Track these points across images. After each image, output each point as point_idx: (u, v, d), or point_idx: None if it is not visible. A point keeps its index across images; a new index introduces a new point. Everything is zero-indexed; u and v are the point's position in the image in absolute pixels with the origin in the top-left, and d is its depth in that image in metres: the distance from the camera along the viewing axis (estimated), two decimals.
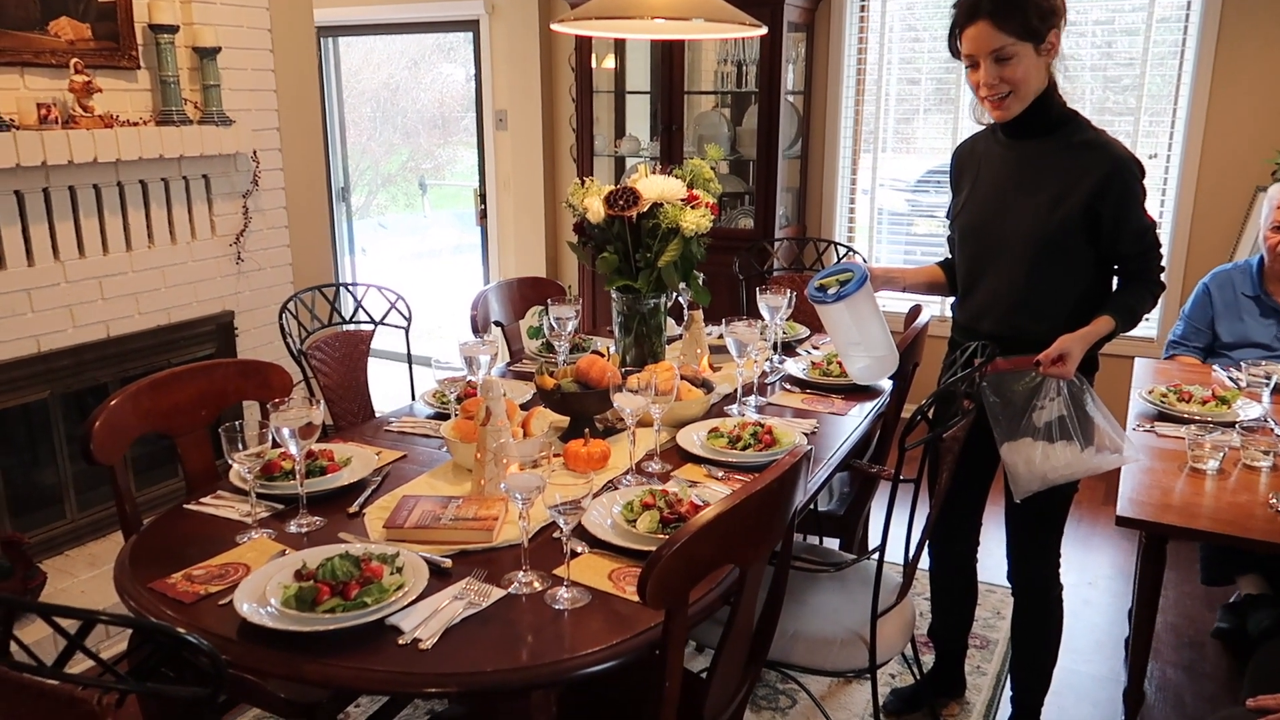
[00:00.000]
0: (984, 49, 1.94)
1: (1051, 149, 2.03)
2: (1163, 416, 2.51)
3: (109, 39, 3.06)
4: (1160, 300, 4.24)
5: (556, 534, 1.69)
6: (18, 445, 3.02)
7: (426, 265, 8.77)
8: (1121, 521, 1.98)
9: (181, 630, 1.04)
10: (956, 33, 2.00)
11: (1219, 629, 2.92)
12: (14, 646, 1.09)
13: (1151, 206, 4.24)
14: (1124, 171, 1.97)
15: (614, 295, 2.46)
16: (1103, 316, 2.03)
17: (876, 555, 2.01)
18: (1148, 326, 4.36)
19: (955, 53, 2.04)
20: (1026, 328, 2.08)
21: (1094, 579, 3.30)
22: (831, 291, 2.16)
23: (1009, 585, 2.33)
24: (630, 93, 5.10)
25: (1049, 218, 2.00)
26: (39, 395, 3.01)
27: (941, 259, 2.40)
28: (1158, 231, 2.07)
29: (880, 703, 2.50)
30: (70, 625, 1.06)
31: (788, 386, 2.63)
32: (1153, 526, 2.00)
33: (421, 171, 9.07)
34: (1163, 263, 2.10)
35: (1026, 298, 2.08)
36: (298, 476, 1.78)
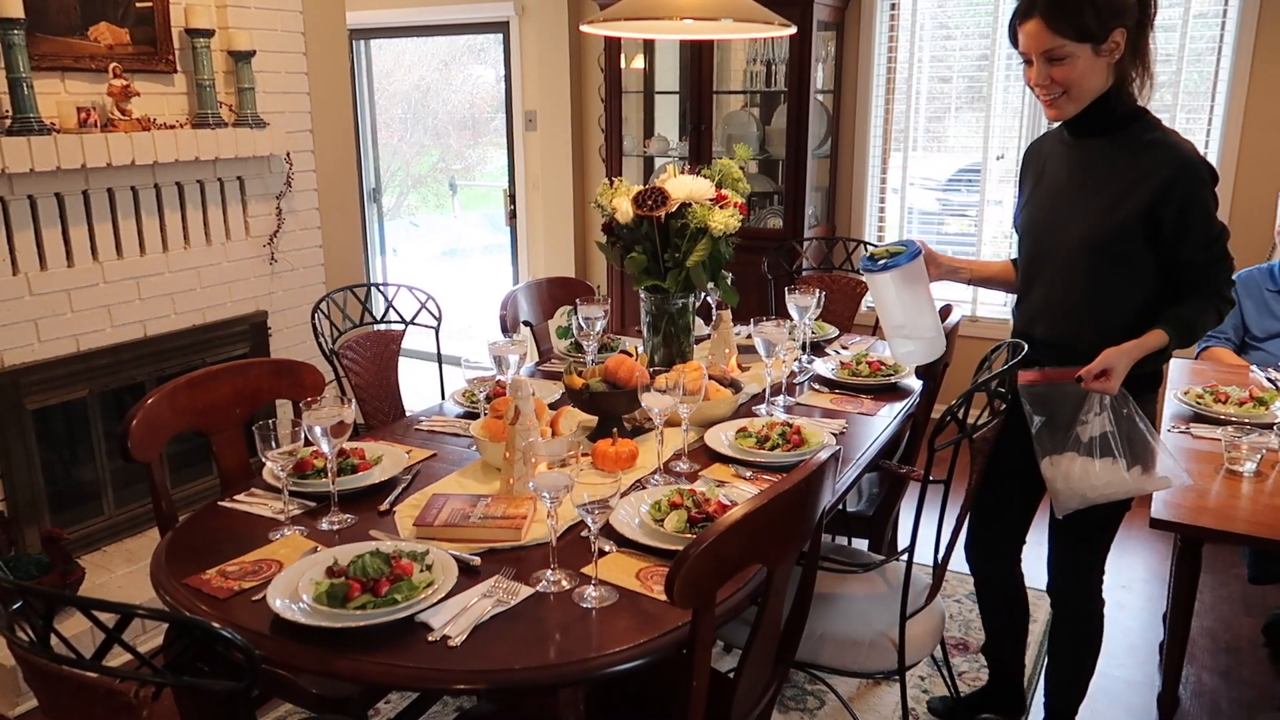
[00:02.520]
0: (1036, 48, 1.85)
1: (1114, 148, 1.91)
2: (1198, 418, 2.47)
3: (147, 43, 3.11)
4: None
5: (584, 533, 1.70)
6: (57, 443, 3.08)
7: (457, 265, 8.83)
8: (1156, 524, 1.96)
9: (216, 625, 1.05)
10: (1015, 24, 1.91)
11: (1273, 618, 2.87)
12: (54, 640, 1.11)
13: None
14: (1190, 174, 1.83)
15: (642, 295, 2.46)
16: (1155, 330, 1.88)
17: (905, 556, 2.00)
18: None
19: (1015, 43, 1.93)
20: (1079, 336, 1.97)
21: (1128, 582, 3.26)
22: (881, 261, 2.10)
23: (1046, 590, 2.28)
24: (659, 93, 5.10)
25: (1106, 221, 1.89)
26: (78, 394, 3.06)
27: (1012, 257, 2.30)
28: (1227, 242, 1.90)
29: (908, 706, 2.49)
30: (108, 619, 1.08)
31: (816, 386, 2.62)
32: (1188, 529, 1.97)
33: (452, 172, 9.13)
34: (1232, 275, 1.91)
35: (1080, 305, 1.97)
36: (329, 475, 1.81)
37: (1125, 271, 1.92)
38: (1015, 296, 2.22)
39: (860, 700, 2.62)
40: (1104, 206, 1.89)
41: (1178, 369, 2.92)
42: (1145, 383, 1.99)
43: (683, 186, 2.28)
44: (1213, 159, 4.10)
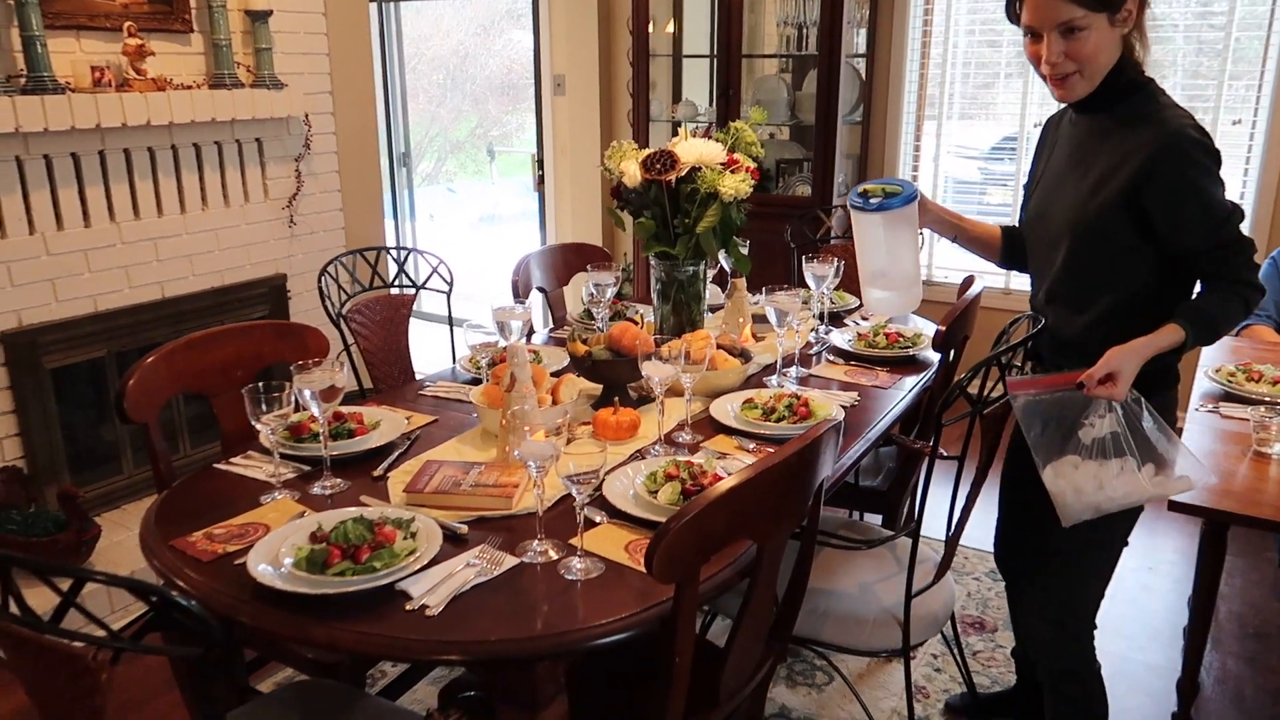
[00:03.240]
0: (1049, 20, 1.62)
1: (1109, 125, 1.72)
2: (1229, 397, 2.37)
3: (162, 2, 3.09)
4: None
5: (575, 503, 1.66)
6: (77, 403, 3.11)
7: (494, 232, 8.82)
8: (1175, 507, 1.87)
9: (175, 594, 1.03)
10: None
11: None
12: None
13: (1234, 175, 4.03)
14: (1174, 155, 1.61)
15: (652, 262, 2.41)
16: (1169, 325, 1.66)
17: (911, 532, 1.94)
18: None
19: (1013, 18, 1.73)
20: (1061, 324, 1.83)
21: (1155, 564, 3.17)
22: (874, 200, 1.94)
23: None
24: (688, 56, 5.00)
25: (1088, 203, 1.72)
26: (96, 354, 3.08)
27: (1011, 224, 2.14)
28: (1239, 224, 1.67)
29: (914, 685, 2.44)
30: (67, 586, 1.07)
31: (832, 358, 2.56)
32: (1210, 513, 1.89)
33: (490, 138, 9.09)
34: (1253, 257, 1.69)
35: (1062, 290, 1.82)
36: (322, 438, 1.79)
37: (1106, 259, 1.73)
38: (1003, 267, 2.14)
39: (870, 677, 2.57)
40: (1089, 188, 1.72)
41: (1214, 347, 2.81)
42: (1157, 380, 1.75)
43: (692, 150, 2.22)
44: (1261, 127, 3.93)
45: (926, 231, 2.11)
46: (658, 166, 2.20)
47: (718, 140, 2.31)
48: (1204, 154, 1.62)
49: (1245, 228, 1.70)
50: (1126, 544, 1.87)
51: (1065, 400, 1.73)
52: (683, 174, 2.22)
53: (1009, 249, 2.09)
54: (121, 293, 3.10)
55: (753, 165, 2.27)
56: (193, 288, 3.31)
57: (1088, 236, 1.73)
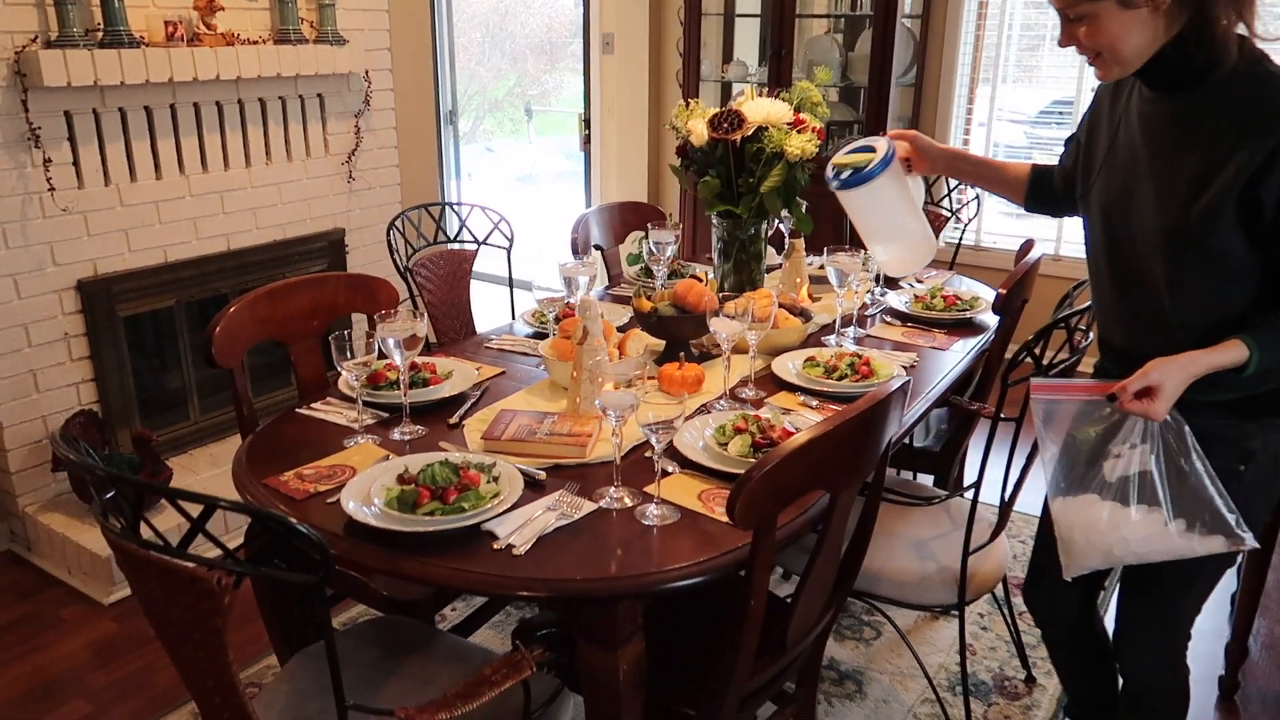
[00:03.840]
0: (1057, 5, 1.46)
1: (1202, 106, 1.42)
2: None
3: None
4: None
5: (648, 454, 1.72)
6: (147, 350, 3.21)
7: (530, 191, 8.85)
8: None
9: (294, 521, 1.10)
10: None
11: None
12: (144, 529, 1.17)
13: None
14: None
15: (714, 221, 2.44)
16: (1232, 339, 1.40)
17: (971, 492, 1.98)
18: None
19: None
20: (1165, 351, 1.45)
21: None
22: (846, 175, 1.82)
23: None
24: (740, 15, 4.98)
25: (1189, 206, 1.42)
26: (166, 303, 3.18)
27: (1037, 165, 1.95)
28: None
29: (966, 641, 2.49)
30: (194, 513, 1.14)
31: (888, 319, 2.58)
32: None
33: (528, 97, 9.08)
34: None
35: (1162, 312, 1.51)
36: (402, 386, 1.85)
37: (1216, 271, 1.44)
38: (1023, 208, 1.94)
39: (917, 633, 2.63)
40: (1188, 185, 1.42)
41: None
42: (1245, 406, 1.48)
43: (759, 109, 2.24)
44: None
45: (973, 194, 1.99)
46: (725, 125, 2.22)
47: (783, 99, 2.33)
48: None
49: None
50: (1233, 562, 1.65)
51: (1090, 416, 1.51)
52: (749, 134, 2.24)
53: (1035, 192, 1.91)
54: (189, 244, 3.19)
55: (819, 125, 2.29)
56: (256, 240, 3.39)
57: (1192, 246, 1.44)
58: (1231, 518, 1.45)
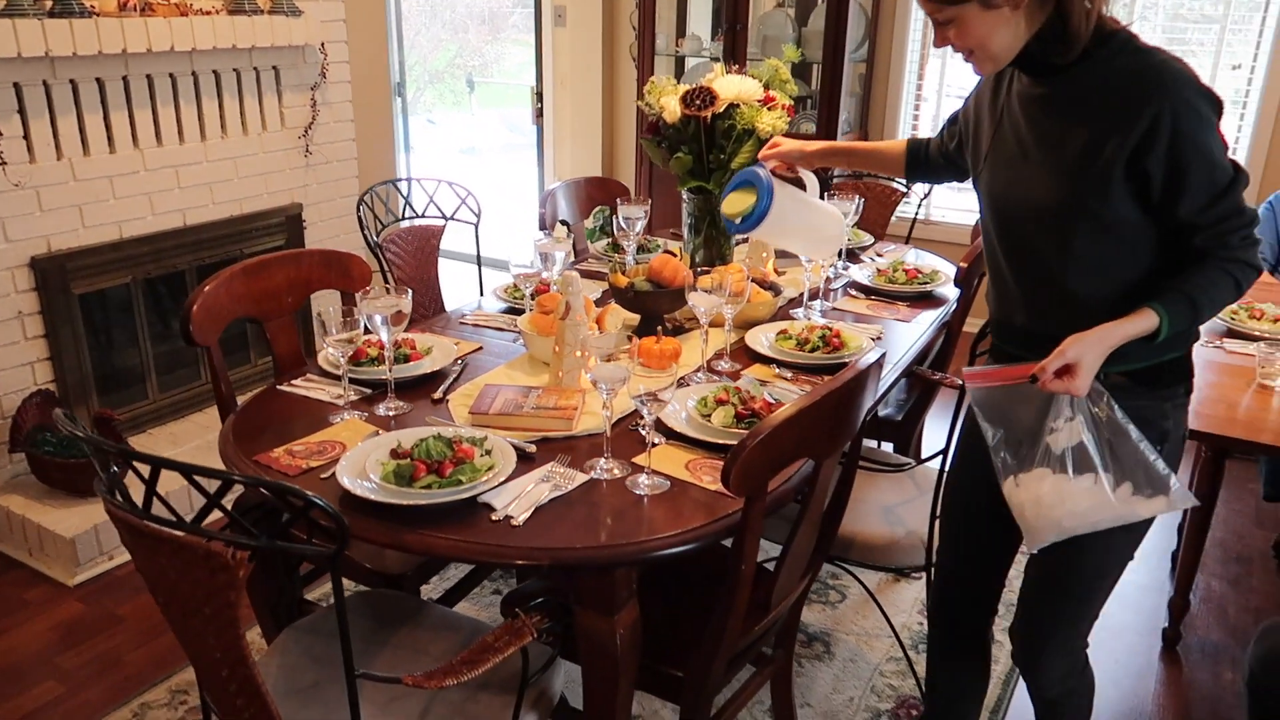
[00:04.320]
0: (926, 10, 1.47)
1: (1080, 86, 1.45)
2: (1232, 333, 2.50)
3: None
4: None
5: (633, 425, 1.76)
6: (103, 328, 3.15)
7: (474, 163, 8.77)
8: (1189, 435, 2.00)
9: (311, 494, 1.12)
10: None
11: None
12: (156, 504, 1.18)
13: (1229, 122, 4.13)
14: (1182, 108, 1.36)
15: (685, 196, 2.48)
16: (1143, 308, 1.43)
17: (939, 459, 2.06)
18: None
19: None
20: (1066, 326, 1.47)
21: None
22: (740, 223, 1.92)
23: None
24: None
25: (1076, 178, 1.45)
26: (121, 280, 3.12)
27: (912, 140, 2.01)
28: (1242, 190, 1.43)
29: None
30: (209, 489, 1.15)
31: (853, 292, 2.65)
32: (1217, 440, 2.03)
33: (470, 68, 8.97)
34: (1254, 232, 1.44)
35: (1061, 288, 1.53)
36: (387, 362, 1.86)
37: (1110, 241, 1.47)
38: (913, 181, 2.01)
39: (880, 594, 2.72)
40: (1075, 160, 1.45)
41: None
42: (1155, 378, 1.52)
43: (731, 86, 2.27)
44: (1260, 72, 4.01)
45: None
46: (697, 102, 2.25)
47: (753, 77, 2.36)
48: (1210, 108, 1.38)
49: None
50: (1129, 558, 1.66)
51: (1023, 397, 1.52)
52: (720, 111, 2.28)
53: (914, 166, 1.99)
54: (145, 220, 3.13)
55: (788, 103, 2.33)
56: (212, 215, 3.34)
57: (1085, 219, 1.46)
58: (1170, 477, 1.49)
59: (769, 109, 2.28)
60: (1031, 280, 1.58)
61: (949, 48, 1.48)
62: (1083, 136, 1.44)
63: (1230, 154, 1.42)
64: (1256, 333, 2.47)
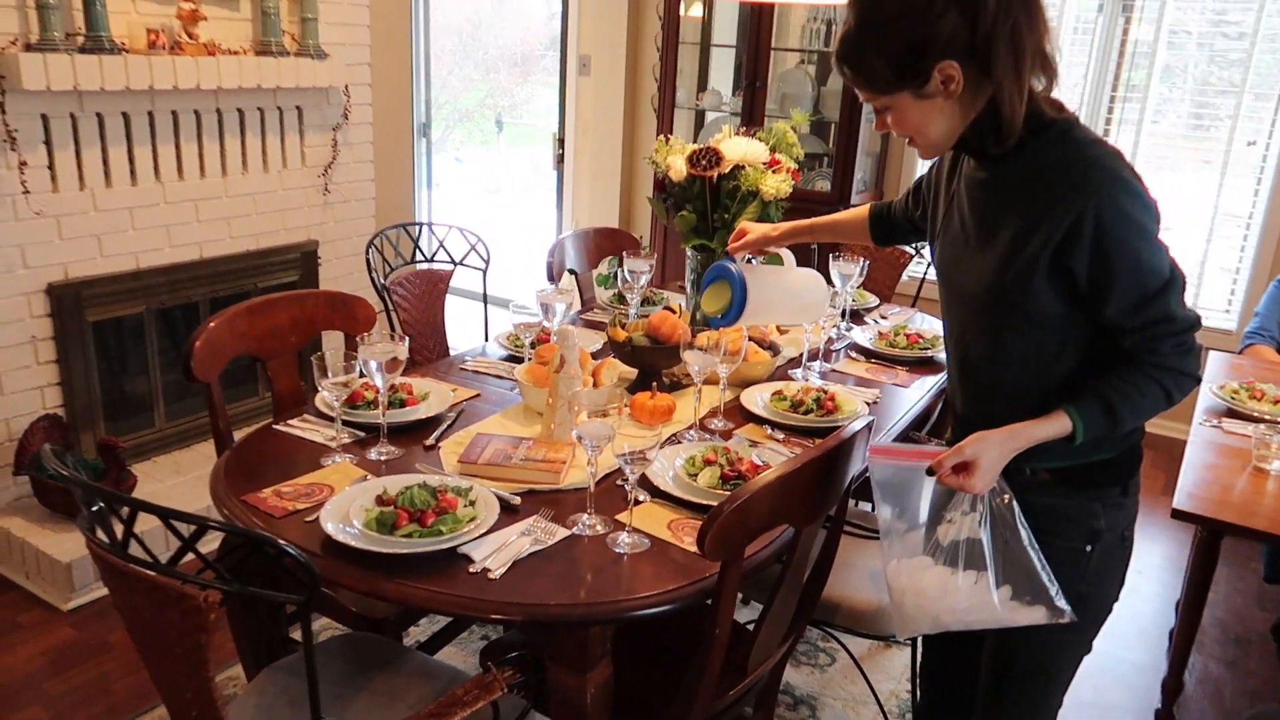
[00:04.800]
0: (864, 99, 1.46)
1: (1017, 175, 1.42)
2: (1231, 413, 2.49)
3: None
4: (1241, 294, 4.17)
5: (620, 481, 1.77)
6: (114, 356, 3.20)
7: (498, 202, 8.88)
8: (1178, 515, 2.00)
9: (284, 542, 1.13)
10: None
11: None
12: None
13: (1244, 195, 4.14)
14: (1106, 208, 1.31)
15: (689, 253, 2.51)
16: (1059, 410, 1.40)
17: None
18: (1227, 318, 4.27)
19: None
20: (995, 417, 1.45)
21: (1143, 568, 3.30)
22: (723, 318, 1.97)
23: None
24: (716, 45, 5.07)
25: (1005, 269, 1.41)
26: (136, 309, 3.17)
27: (875, 204, 2.02)
28: (1177, 294, 1.37)
29: (919, 669, 2.57)
30: (185, 531, 1.17)
31: (853, 355, 2.66)
32: (1209, 522, 2.01)
33: (499, 109, 9.11)
34: (1192, 338, 1.39)
35: (990, 377, 1.52)
36: (380, 407, 1.89)
37: (1038, 335, 1.44)
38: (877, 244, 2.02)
39: (870, 660, 2.70)
40: (1003, 252, 1.42)
41: (1218, 363, 2.93)
42: (1084, 477, 1.48)
43: (737, 148, 2.31)
44: (1275, 148, 4.02)
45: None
46: (703, 163, 2.29)
47: (760, 139, 2.40)
48: (1140, 208, 1.33)
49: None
50: (1089, 649, 1.61)
51: (925, 482, 1.49)
52: (725, 171, 2.32)
53: (878, 231, 2.00)
54: (162, 251, 3.19)
55: (794, 166, 2.37)
56: (229, 249, 3.40)
57: (1009, 309, 1.44)
58: (1052, 589, 1.43)
59: (774, 172, 2.32)
60: (965, 365, 1.58)
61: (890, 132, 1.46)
62: (1013, 226, 1.41)
63: (1169, 255, 1.38)
64: (1256, 414, 2.45)
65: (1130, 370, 1.39)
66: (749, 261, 2.08)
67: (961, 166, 1.55)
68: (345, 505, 1.58)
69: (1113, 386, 1.39)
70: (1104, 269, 1.34)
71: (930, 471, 1.45)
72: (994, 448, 1.41)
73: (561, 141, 5.72)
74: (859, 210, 2.03)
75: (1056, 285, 1.39)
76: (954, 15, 1.30)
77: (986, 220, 1.47)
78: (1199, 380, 1.42)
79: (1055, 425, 1.40)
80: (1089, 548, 1.49)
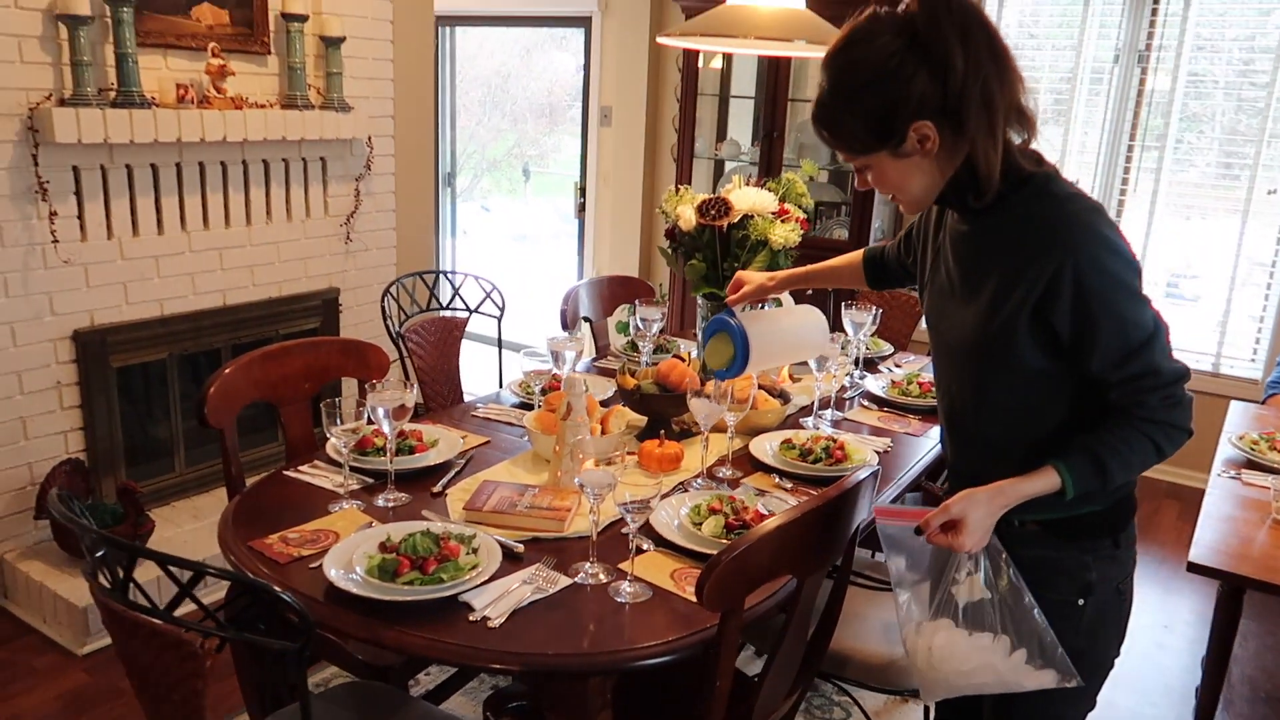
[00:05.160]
0: (844, 158, 1.47)
1: (998, 229, 1.42)
2: (1251, 464, 2.45)
3: (244, 25, 3.25)
4: (1266, 342, 4.11)
5: (623, 530, 1.77)
6: (137, 401, 3.25)
7: (524, 250, 8.98)
8: (1193, 568, 1.96)
9: (278, 589, 1.14)
10: None
11: None
12: (131, 588, 1.21)
13: (1264, 242, 4.11)
14: (1084, 263, 1.31)
15: (700, 301, 2.52)
16: (1048, 466, 1.38)
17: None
18: (1252, 367, 4.22)
19: None
20: (988, 473, 1.43)
21: (1170, 623, 3.23)
22: (725, 371, 1.97)
23: None
24: (734, 97, 5.14)
25: (989, 323, 1.41)
26: (159, 355, 3.23)
27: (869, 249, 2.04)
28: (1161, 347, 1.36)
29: None
30: (183, 575, 1.18)
31: (866, 403, 2.65)
32: (1226, 576, 1.97)
33: (526, 158, 9.26)
34: (1179, 391, 1.37)
35: (977, 430, 1.52)
36: (388, 454, 1.90)
37: (1023, 390, 1.44)
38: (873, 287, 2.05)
39: (885, 715, 2.65)
40: (987, 306, 1.42)
41: (1240, 413, 2.88)
42: (1073, 529, 1.46)
43: (746, 198, 2.33)
44: None
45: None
46: (712, 212, 2.31)
47: (770, 189, 2.43)
48: (1119, 262, 1.33)
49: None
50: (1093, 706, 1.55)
51: (925, 544, 1.47)
52: (735, 220, 2.34)
53: (873, 275, 2.02)
54: (186, 298, 3.25)
55: (802, 216, 2.39)
56: (252, 297, 3.46)
57: (993, 362, 1.44)
58: (1059, 651, 1.41)
59: (783, 221, 2.34)
60: (952, 415, 1.58)
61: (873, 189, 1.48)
62: (995, 281, 1.41)
63: (1151, 308, 1.36)
64: (1276, 465, 2.41)
65: (1119, 424, 1.38)
66: (745, 309, 2.08)
67: (947, 219, 1.55)
68: (349, 552, 1.59)
69: (1102, 441, 1.38)
70: (1085, 324, 1.34)
71: (919, 531, 1.43)
72: (980, 506, 1.40)
73: (583, 190, 5.80)
74: (853, 255, 2.05)
75: (1039, 340, 1.39)
76: (924, 76, 1.32)
77: (971, 273, 1.47)
78: (1190, 433, 1.40)
79: (1044, 481, 1.39)
80: (1081, 601, 1.47)
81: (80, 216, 2.93)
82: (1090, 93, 4.37)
